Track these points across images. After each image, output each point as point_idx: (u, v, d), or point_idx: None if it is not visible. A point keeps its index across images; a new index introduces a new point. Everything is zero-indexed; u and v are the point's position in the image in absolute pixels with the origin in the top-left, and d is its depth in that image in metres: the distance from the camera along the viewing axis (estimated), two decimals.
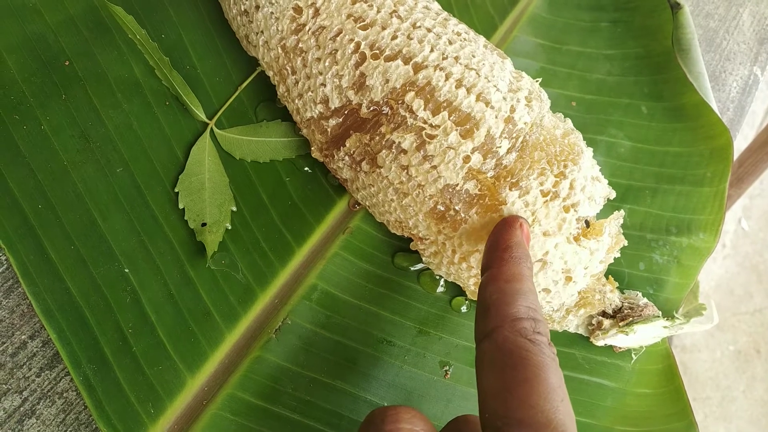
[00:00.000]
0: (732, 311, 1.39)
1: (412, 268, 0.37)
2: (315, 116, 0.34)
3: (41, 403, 0.31)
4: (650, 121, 0.44)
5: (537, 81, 0.34)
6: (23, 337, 0.31)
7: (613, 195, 0.34)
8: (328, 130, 0.34)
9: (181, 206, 0.34)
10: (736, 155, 0.72)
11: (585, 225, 0.33)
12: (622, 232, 0.35)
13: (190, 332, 0.32)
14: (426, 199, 0.32)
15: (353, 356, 0.34)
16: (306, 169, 0.37)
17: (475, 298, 0.35)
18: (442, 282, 0.37)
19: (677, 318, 0.39)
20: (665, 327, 0.38)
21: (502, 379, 0.23)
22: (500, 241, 0.29)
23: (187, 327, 0.32)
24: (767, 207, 1.48)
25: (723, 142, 0.42)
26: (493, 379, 0.24)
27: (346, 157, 0.34)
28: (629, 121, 0.44)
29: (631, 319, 0.35)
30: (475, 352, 0.25)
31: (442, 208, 0.32)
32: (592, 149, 0.34)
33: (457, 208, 0.32)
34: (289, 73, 0.34)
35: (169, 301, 0.32)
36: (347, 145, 0.33)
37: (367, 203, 0.36)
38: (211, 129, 0.36)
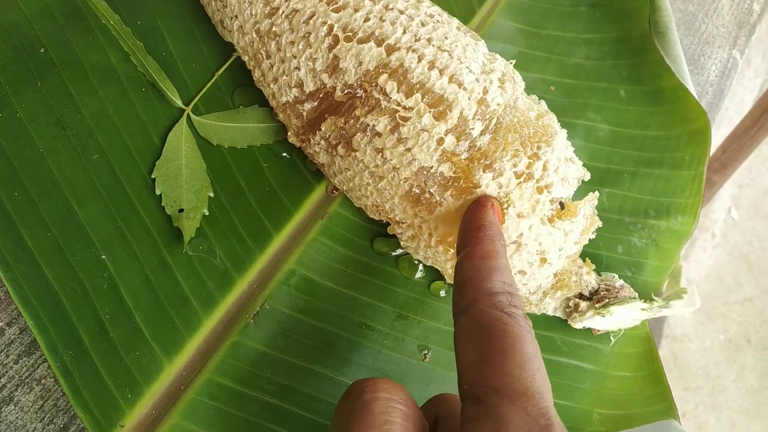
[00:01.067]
0: (722, 300, 1.40)
1: (392, 253, 0.37)
2: (290, 100, 0.34)
3: (19, 390, 0.31)
4: (628, 104, 0.44)
5: (511, 63, 0.34)
6: (0, 324, 0.31)
7: (587, 176, 0.35)
8: (304, 114, 0.34)
9: (158, 192, 0.34)
10: (721, 142, 0.72)
11: (559, 207, 0.33)
12: (596, 213, 0.35)
13: (168, 318, 0.32)
14: (401, 182, 0.32)
15: (332, 341, 0.34)
16: (284, 154, 0.37)
17: (452, 281, 0.36)
18: (420, 267, 0.37)
19: (656, 300, 0.39)
20: (644, 309, 0.38)
21: (479, 350, 0.24)
22: (473, 221, 0.29)
23: (164, 312, 0.32)
24: (757, 196, 1.49)
25: (701, 125, 0.42)
26: (471, 351, 0.24)
27: (322, 141, 0.34)
28: (608, 105, 0.44)
29: (607, 300, 0.36)
30: (453, 334, 0.26)
31: (418, 191, 0.32)
32: (566, 131, 0.34)
33: (432, 190, 0.32)
34: (264, 57, 0.34)
35: (147, 286, 0.32)
36: (323, 129, 0.33)
37: (344, 188, 0.36)
38: (188, 115, 0.36)
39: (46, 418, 0.30)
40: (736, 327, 1.38)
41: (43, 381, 0.31)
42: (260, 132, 0.37)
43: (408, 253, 0.37)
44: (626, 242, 0.41)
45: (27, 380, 0.31)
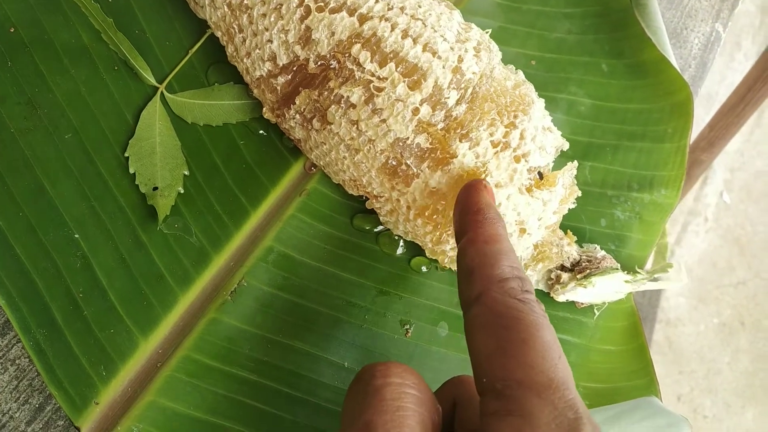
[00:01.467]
0: (715, 284, 1.40)
1: (372, 230, 0.37)
2: (264, 74, 0.33)
3: None
4: (611, 78, 0.44)
5: (487, 32, 0.34)
6: None
7: (566, 146, 0.34)
8: (278, 88, 0.33)
9: (131, 171, 0.33)
10: (709, 119, 0.72)
11: (538, 176, 0.33)
12: (576, 183, 0.35)
13: (143, 295, 0.31)
14: (377, 154, 0.32)
15: (312, 317, 0.34)
16: (261, 132, 0.37)
17: (433, 255, 0.35)
18: (401, 243, 0.37)
19: (639, 273, 0.39)
20: (627, 282, 0.38)
21: (497, 341, 0.23)
22: (470, 205, 0.28)
23: (139, 290, 0.31)
24: (748, 179, 1.49)
25: (683, 97, 0.42)
26: (487, 343, 0.23)
27: (297, 116, 0.33)
28: (590, 79, 0.44)
29: (588, 271, 0.35)
30: (464, 324, 0.25)
31: (394, 163, 0.32)
32: (543, 100, 0.34)
33: (408, 162, 0.32)
34: (237, 31, 0.33)
35: (121, 265, 0.32)
36: (297, 102, 0.33)
37: (321, 163, 0.35)
38: (162, 93, 0.35)
39: (21, 398, 0.30)
40: (730, 310, 1.38)
41: (17, 361, 0.30)
42: (236, 109, 0.36)
43: (388, 230, 0.37)
44: (609, 215, 0.41)
45: (1, 360, 0.30)
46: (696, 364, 1.34)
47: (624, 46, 0.44)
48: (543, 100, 0.34)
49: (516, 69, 0.34)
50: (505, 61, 0.39)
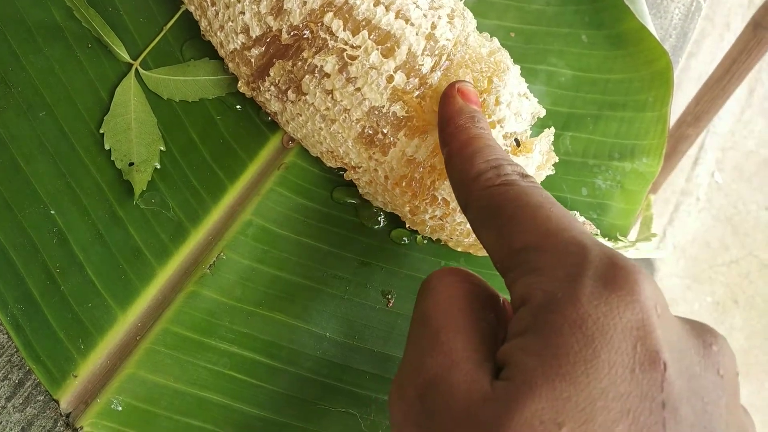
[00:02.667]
0: (708, 263, 1.40)
1: (352, 202, 0.37)
2: (238, 47, 0.33)
3: None
4: (591, 49, 0.44)
5: (461, 0, 0.34)
6: None
7: (542, 113, 0.34)
8: (252, 60, 0.33)
9: (107, 147, 0.33)
10: (694, 93, 0.72)
11: (515, 143, 0.33)
12: (552, 149, 0.35)
13: (121, 270, 0.31)
14: (353, 123, 0.32)
15: (292, 289, 0.34)
16: (237, 107, 0.36)
17: (413, 226, 0.35)
18: (381, 215, 0.37)
19: (620, 240, 0.39)
20: None
21: (493, 229, 0.23)
22: (443, 118, 0.29)
23: (117, 265, 0.31)
24: (740, 159, 1.49)
25: (662, 65, 0.42)
26: (488, 236, 0.24)
27: (272, 88, 0.33)
28: (570, 50, 0.43)
29: None
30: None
31: (370, 132, 0.32)
32: (518, 67, 0.34)
33: (384, 131, 0.32)
34: (209, 4, 0.33)
35: (98, 240, 0.32)
36: (271, 74, 0.33)
37: (298, 136, 0.35)
38: (136, 70, 0.35)
39: (0, 374, 0.30)
40: (723, 289, 1.39)
41: None
42: (212, 84, 0.36)
43: (368, 202, 0.37)
44: (590, 184, 0.41)
45: None
46: None
47: (603, 17, 0.44)
48: (518, 66, 0.34)
49: (489, 35, 0.34)
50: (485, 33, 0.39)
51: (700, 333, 0.21)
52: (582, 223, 0.36)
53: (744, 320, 1.37)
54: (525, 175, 0.25)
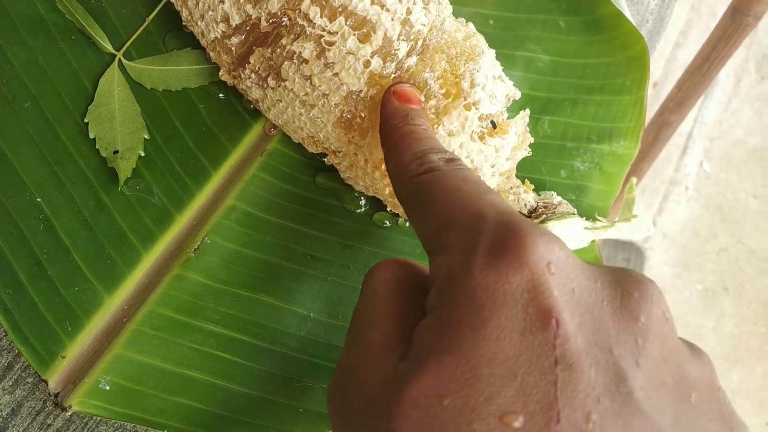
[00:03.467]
0: (698, 252, 1.42)
1: (337, 187, 0.37)
2: (218, 36, 0.34)
3: None
4: (568, 35, 0.44)
5: None
6: None
7: (518, 95, 0.35)
8: (233, 49, 0.34)
9: (91, 136, 0.34)
10: (675, 81, 0.73)
11: (491, 126, 0.34)
12: (528, 130, 0.35)
13: (106, 254, 0.32)
14: (332, 108, 0.33)
15: (276, 272, 0.34)
16: (220, 95, 0.37)
17: (394, 209, 0.36)
18: (362, 199, 0.37)
19: (599, 220, 0.40)
20: (587, 228, 0.39)
21: (418, 216, 0.24)
22: (381, 121, 0.30)
23: (103, 250, 0.32)
24: (728, 148, 1.50)
25: (639, 50, 0.43)
26: (415, 223, 0.24)
27: (253, 75, 0.34)
28: (547, 36, 0.44)
29: (545, 216, 0.36)
30: None
31: (349, 116, 0.33)
32: (494, 51, 0.35)
33: (363, 115, 0.33)
34: None
35: (84, 226, 0.32)
36: (252, 62, 0.33)
37: (280, 122, 0.36)
38: (120, 60, 0.36)
39: None
40: (713, 276, 1.40)
41: None
42: (194, 74, 0.37)
43: (350, 186, 0.37)
44: (569, 167, 0.42)
45: None
46: (681, 330, 1.36)
47: (580, 3, 0.45)
48: (494, 51, 0.35)
49: (464, 20, 0.35)
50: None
51: (620, 282, 0.20)
52: (558, 203, 0.37)
53: (734, 307, 1.38)
54: (451, 160, 0.25)
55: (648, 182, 1.41)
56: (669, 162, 1.47)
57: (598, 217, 0.40)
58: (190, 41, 0.37)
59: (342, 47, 0.31)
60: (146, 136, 0.35)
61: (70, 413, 0.29)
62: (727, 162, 1.51)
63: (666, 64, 1.47)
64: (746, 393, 1.31)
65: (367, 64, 0.32)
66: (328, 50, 0.32)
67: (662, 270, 1.39)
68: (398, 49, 0.32)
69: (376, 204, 0.38)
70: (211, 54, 0.36)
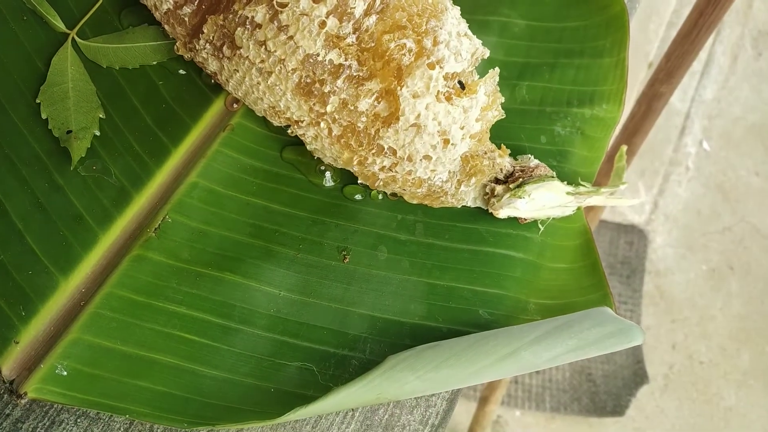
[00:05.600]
0: (701, 232, 1.39)
1: (304, 160, 0.36)
2: (171, 7, 0.33)
3: None
4: None
5: None
6: None
7: (486, 53, 0.34)
8: (186, 19, 0.33)
9: (44, 116, 0.33)
10: (663, 52, 0.71)
11: (459, 86, 0.32)
12: (498, 90, 0.34)
13: (62, 237, 0.31)
14: (289, 73, 0.31)
15: (243, 249, 0.33)
16: (180, 71, 0.36)
17: (365, 180, 0.35)
18: (328, 172, 0.36)
19: (582, 185, 0.38)
20: (570, 193, 0.37)
21: None
22: None
23: (57, 232, 0.31)
24: (727, 126, 1.48)
25: (617, 10, 0.42)
26: None
27: (207, 45, 0.33)
28: (522, 0, 0.43)
29: (521, 180, 0.35)
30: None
31: (308, 81, 0.31)
32: (459, 8, 0.33)
33: (322, 78, 0.31)
34: None
35: (37, 209, 0.31)
36: (205, 31, 0.32)
37: (240, 94, 0.35)
38: (73, 39, 0.35)
39: None
40: (718, 256, 1.38)
41: None
42: (152, 50, 0.36)
43: (320, 159, 0.36)
44: (549, 132, 0.40)
45: None
46: (688, 312, 1.34)
47: None
48: (458, 8, 0.33)
49: None
50: None
51: None
52: (536, 166, 0.36)
53: (740, 286, 1.36)
54: None
55: (647, 163, 1.39)
56: (668, 142, 1.44)
57: (582, 183, 0.39)
58: (147, 17, 0.36)
59: (295, 8, 0.30)
60: (102, 116, 0.34)
61: (26, 401, 0.28)
62: (726, 140, 1.48)
63: (660, 44, 1.45)
64: (758, 373, 1.28)
65: (322, 24, 0.30)
66: (281, 13, 0.30)
67: (666, 252, 1.37)
68: (354, 8, 0.30)
69: (348, 177, 0.36)
70: (166, 27, 0.34)
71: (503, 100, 0.34)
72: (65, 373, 0.28)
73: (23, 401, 0.28)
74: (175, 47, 0.34)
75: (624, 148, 0.44)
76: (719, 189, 1.43)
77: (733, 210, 1.41)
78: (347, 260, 0.34)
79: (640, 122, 0.74)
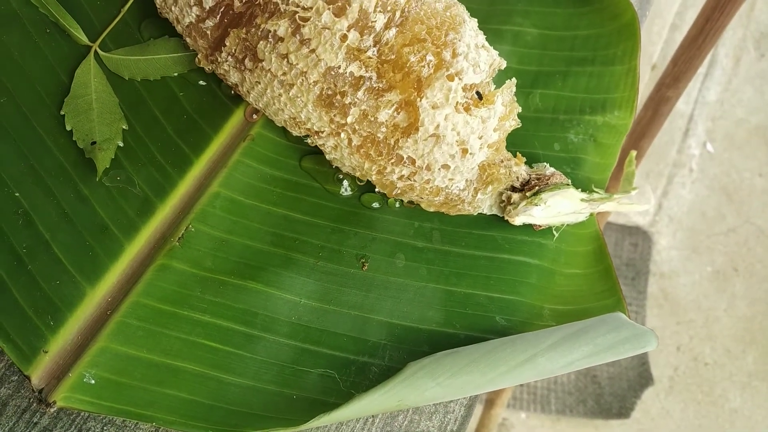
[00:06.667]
0: (706, 234, 1.40)
1: (323, 170, 0.37)
2: (193, 21, 0.33)
3: None
4: (555, 7, 0.44)
5: None
6: None
7: (503, 64, 0.34)
8: (208, 32, 0.33)
9: (68, 128, 0.33)
10: (670, 56, 0.72)
11: (477, 97, 0.33)
12: (515, 100, 0.34)
13: (88, 247, 0.31)
14: (311, 85, 0.32)
15: (264, 258, 0.34)
16: (200, 82, 0.36)
17: (383, 188, 0.35)
18: (345, 181, 0.36)
19: (596, 191, 0.39)
20: (584, 200, 0.38)
21: None
22: None
23: (83, 242, 0.31)
24: (730, 128, 1.49)
25: (628, 18, 0.42)
26: None
27: (229, 58, 0.33)
28: (535, 10, 0.43)
29: (537, 188, 0.35)
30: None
31: (329, 93, 0.32)
32: (476, 20, 0.34)
33: (343, 90, 0.32)
34: None
35: (64, 219, 0.31)
36: (227, 44, 0.33)
37: (261, 105, 0.35)
38: (95, 51, 0.35)
39: None
40: (723, 258, 1.38)
41: None
42: (173, 62, 0.36)
43: (338, 168, 0.36)
44: (562, 139, 0.40)
45: None
46: (694, 313, 1.34)
47: None
48: (475, 20, 0.34)
49: None
50: None
51: None
52: (551, 174, 0.36)
53: (746, 288, 1.36)
54: None
55: (652, 165, 1.40)
56: (672, 144, 1.45)
57: (596, 190, 0.39)
58: (167, 29, 0.37)
59: (317, 22, 0.31)
60: (125, 127, 0.34)
61: (55, 409, 0.28)
62: (730, 142, 1.49)
63: (664, 46, 1.45)
64: (764, 374, 1.29)
65: (343, 38, 0.31)
66: (303, 26, 0.31)
67: (671, 254, 1.37)
68: (375, 22, 0.31)
69: (365, 185, 0.37)
70: (188, 40, 0.35)
71: (520, 110, 0.35)
72: (93, 381, 0.29)
73: (52, 410, 0.28)
74: (197, 59, 0.35)
75: (633, 153, 0.44)
76: (723, 190, 1.43)
77: (738, 211, 1.42)
78: (366, 268, 0.35)
79: (647, 126, 0.74)
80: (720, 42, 1.54)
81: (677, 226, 1.38)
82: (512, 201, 0.36)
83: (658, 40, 1.46)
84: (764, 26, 1.59)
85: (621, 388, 1.23)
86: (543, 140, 0.40)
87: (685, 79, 0.70)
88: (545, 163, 0.37)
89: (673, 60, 0.70)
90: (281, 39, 0.31)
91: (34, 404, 0.30)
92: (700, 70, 1.52)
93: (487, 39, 0.36)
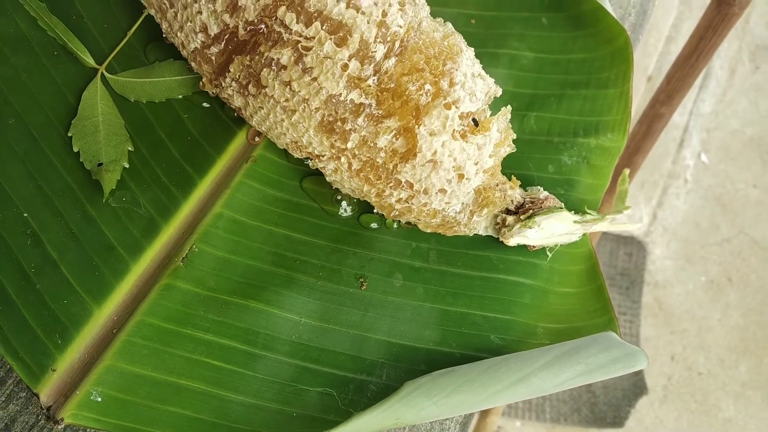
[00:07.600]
0: (700, 244, 1.41)
1: (322, 191, 0.37)
2: (198, 46, 0.34)
3: None
4: (551, 31, 0.45)
5: None
6: None
7: (499, 92, 0.35)
8: (213, 58, 0.34)
9: (75, 149, 0.34)
10: (664, 75, 0.73)
11: (473, 123, 0.34)
12: (510, 126, 0.36)
13: (94, 266, 0.32)
14: (312, 112, 0.33)
15: (266, 277, 0.35)
16: (204, 104, 0.37)
17: (381, 210, 0.36)
18: (344, 204, 0.37)
19: (589, 213, 0.40)
20: (577, 222, 0.39)
21: None
22: None
23: (90, 262, 0.32)
24: (725, 139, 1.50)
25: (621, 43, 0.43)
26: None
27: (233, 83, 0.34)
28: (530, 34, 0.44)
29: (531, 212, 0.36)
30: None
31: (330, 120, 0.33)
32: (472, 49, 0.35)
33: (344, 117, 0.33)
34: (168, 6, 0.34)
35: (71, 239, 0.32)
36: (231, 70, 0.34)
37: (263, 129, 0.36)
38: (102, 74, 0.36)
39: None
40: (717, 268, 1.39)
41: None
42: (178, 85, 0.37)
43: (337, 189, 0.37)
44: (556, 161, 0.42)
45: None
46: (687, 323, 1.35)
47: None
48: (472, 49, 0.35)
49: (442, 19, 0.35)
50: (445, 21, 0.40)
51: None
52: (545, 198, 0.37)
53: (739, 298, 1.38)
54: None
55: (647, 176, 1.41)
56: (667, 155, 1.46)
57: (588, 211, 0.40)
58: (172, 52, 0.38)
59: (319, 52, 0.32)
60: (131, 148, 0.35)
61: (62, 426, 0.29)
62: (724, 153, 1.50)
63: (659, 58, 1.47)
64: (757, 384, 1.30)
65: (344, 67, 0.32)
66: (306, 55, 0.32)
67: (665, 264, 1.39)
68: (375, 51, 0.32)
69: (363, 206, 0.38)
70: (192, 64, 0.36)
71: (515, 137, 0.36)
72: (99, 399, 0.30)
73: (60, 427, 0.29)
74: (201, 83, 0.36)
75: (626, 171, 0.45)
76: (718, 201, 1.45)
77: (732, 222, 1.43)
78: (364, 287, 0.36)
79: (641, 142, 0.75)
80: (715, 53, 1.55)
81: (672, 236, 1.39)
82: (507, 223, 0.37)
83: (653, 51, 1.47)
84: (759, 38, 1.61)
85: (615, 397, 1.24)
86: (537, 162, 0.41)
87: (679, 97, 0.71)
88: (539, 187, 0.38)
89: (666, 77, 0.71)
90: (284, 67, 0.32)
91: (42, 420, 0.30)
92: (695, 81, 1.54)
93: (483, 62, 0.37)
